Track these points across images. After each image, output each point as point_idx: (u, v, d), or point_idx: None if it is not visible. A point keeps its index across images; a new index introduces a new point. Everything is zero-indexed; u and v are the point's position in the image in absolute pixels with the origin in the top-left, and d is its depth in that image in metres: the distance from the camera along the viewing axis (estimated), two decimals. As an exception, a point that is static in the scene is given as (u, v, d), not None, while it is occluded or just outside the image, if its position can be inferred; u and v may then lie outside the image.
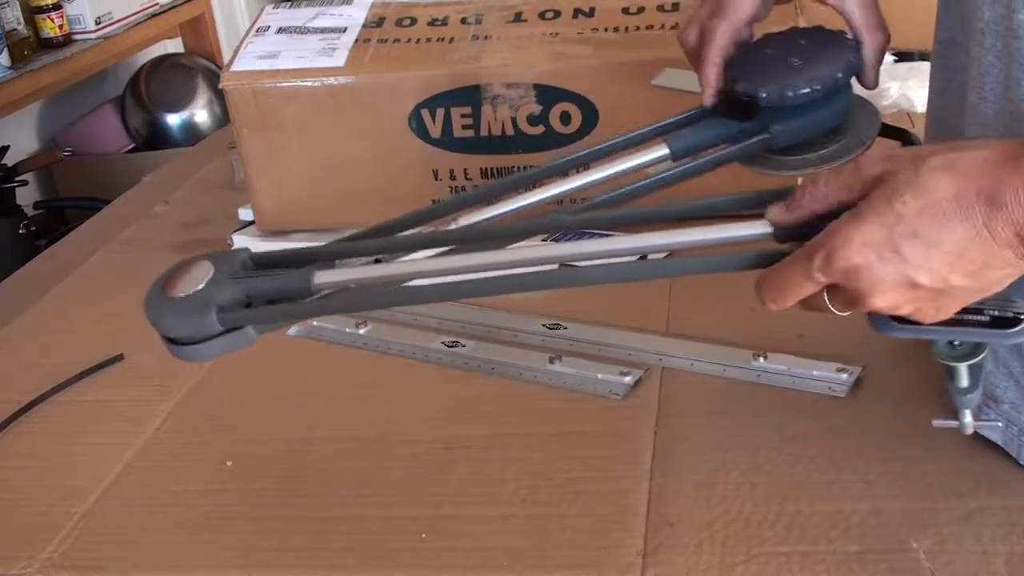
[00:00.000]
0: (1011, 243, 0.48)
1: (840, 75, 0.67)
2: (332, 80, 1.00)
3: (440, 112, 0.99)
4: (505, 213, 0.68)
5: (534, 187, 0.69)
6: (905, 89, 1.22)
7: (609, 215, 0.68)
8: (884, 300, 0.51)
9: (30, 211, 2.33)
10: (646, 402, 0.74)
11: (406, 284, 0.61)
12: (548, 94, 0.97)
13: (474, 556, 0.62)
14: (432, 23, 1.04)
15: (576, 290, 0.92)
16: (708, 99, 0.71)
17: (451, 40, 1.01)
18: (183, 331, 0.61)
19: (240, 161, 1.06)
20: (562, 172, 0.70)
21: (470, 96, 0.98)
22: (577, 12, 1.01)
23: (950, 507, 0.61)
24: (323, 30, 1.06)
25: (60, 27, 2.29)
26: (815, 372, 0.74)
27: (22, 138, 2.46)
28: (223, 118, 2.40)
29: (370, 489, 0.69)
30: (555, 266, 0.67)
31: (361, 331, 0.88)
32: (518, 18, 1.03)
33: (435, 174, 1.02)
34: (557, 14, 1.02)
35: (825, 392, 0.73)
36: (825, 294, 0.53)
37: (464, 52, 1.00)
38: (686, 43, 0.74)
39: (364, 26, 1.05)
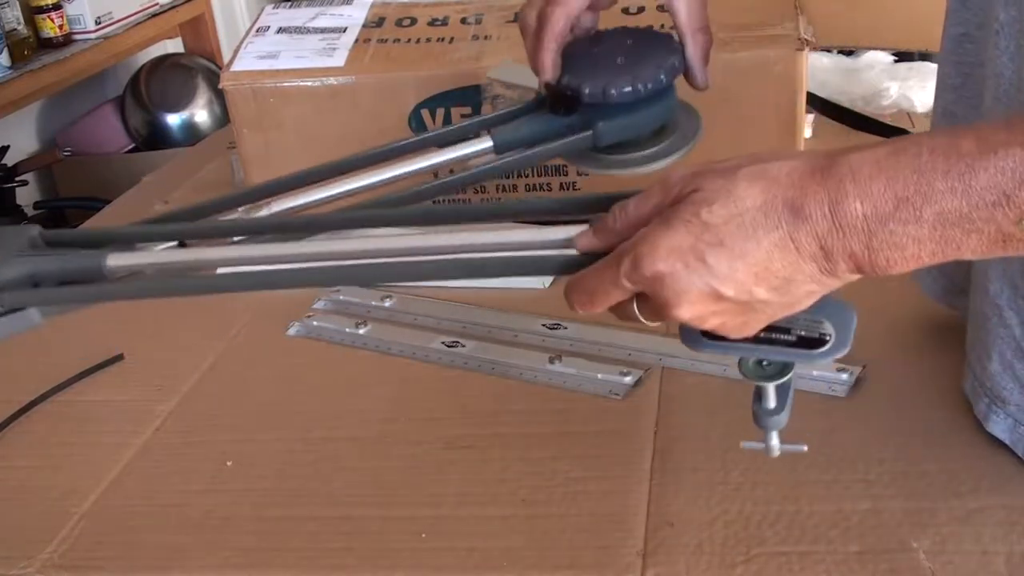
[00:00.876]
0: (815, 256, 0.47)
1: (663, 76, 0.68)
2: (332, 80, 1.00)
3: (440, 112, 0.99)
4: (318, 201, 0.65)
5: (351, 173, 0.67)
6: (905, 89, 1.22)
7: (432, 211, 0.66)
8: (689, 311, 0.50)
9: (30, 211, 2.33)
10: (646, 402, 0.74)
11: (207, 272, 0.58)
12: (548, 94, 0.97)
13: (474, 556, 0.62)
14: (432, 23, 1.04)
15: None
16: (544, 82, 0.70)
17: (451, 40, 1.01)
18: None
19: (240, 161, 1.06)
20: (383, 160, 0.68)
21: (470, 96, 0.98)
22: (577, 12, 1.01)
23: (950, 507, 0.61)
24: (323, 30, 1.06)
25: (60, 27, 2.29)
26: (815, 372, 0.74)
27: (22, 138, 2.46)
28: (223, 118, 2.40)
29: (370, 489, 0.69)
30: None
31: (361, 331, 0.88)
32: (518, 18, 1.03)
33: (435, 175, 1.02)
34: (557, 14, 1.02)
35: (825, 392, 0.73)
36: (635, 303, 0.52)
37: (464, 52, 1.00)
38: (525, 27, 0.73)
39: (364, 26, 1.05)
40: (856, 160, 0.47)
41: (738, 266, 0.48)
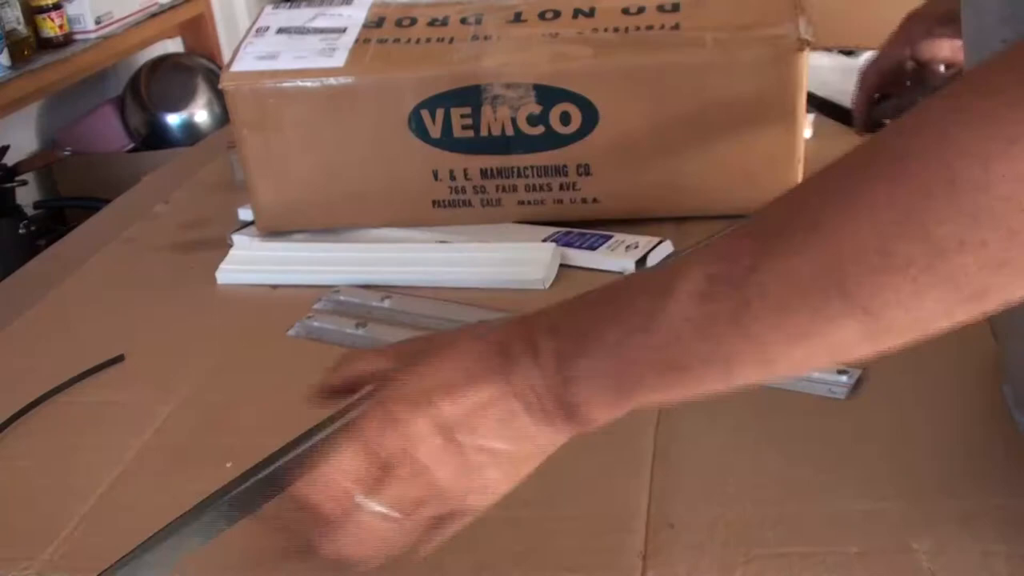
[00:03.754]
0: (527, 392, 0.49)
1: None
2: (332, 80, 1.00)
3: (440, 112, 0.99)
4: None
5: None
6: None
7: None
8: (413, 493, 0.51)
9: (30, 211, 2.33)
10: (646, 402, 0.74)
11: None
12: (548, 94, 0.97)
13: (474, 557, 0.62)
14: (432, 23, 1.04)
15: (576, 290, 0.92)
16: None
17: (451, 40, 1.01)
18: None
19: (240, 161, 1.06)
20: None
21: (470, 96, 0.98)
22: (577, 12, 1.01)
23: (950, 507, 0.61)
24: (323, 30, 1.06)
25: (60, 27, 2.29)
26: (815, 373, 0.74)
27: (22, 138, 2.46)
28: (223, 118, 2.40)
29: (370, 489, 0.69)
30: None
31: (361, 331, 0.88)
32: (518, 18, 1.03)
33: (435, 174, 1.02)
34: (557, 14, 1.02)
35: (825, 394, 0.73)
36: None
37: (464, 52, 1.00)
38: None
39: (364, 26, 1.05)
40: (543, 310, 0.49)
41: (456, 409, 0.49)
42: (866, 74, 0.80)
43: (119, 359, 0.88)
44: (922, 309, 0.39)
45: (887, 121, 0.82)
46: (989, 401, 0.70)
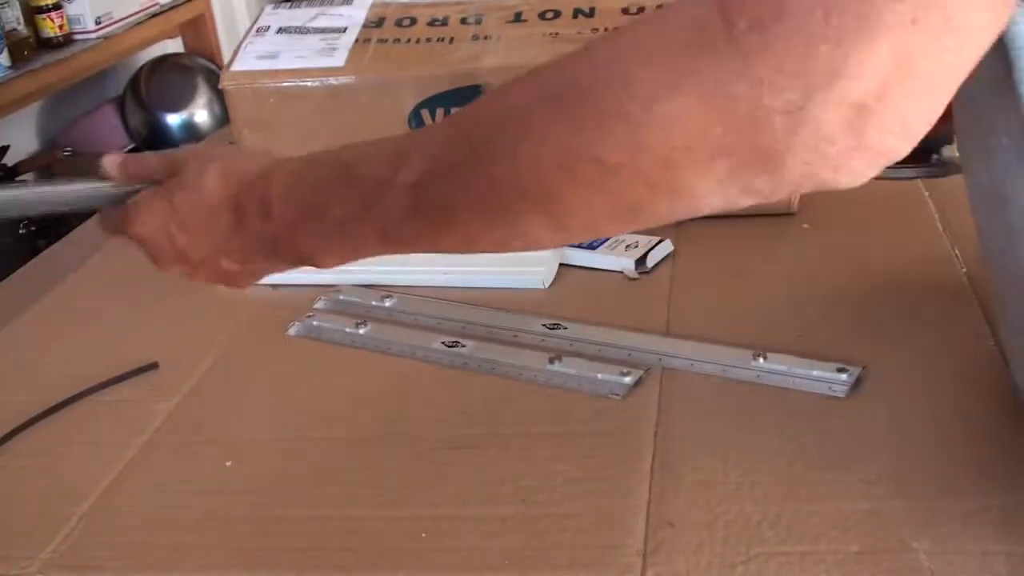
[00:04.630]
0: (261, 243, 0.58)
1: None
2: (332, 80, 1.00)
3: (440, 112, 0.99)
4: None
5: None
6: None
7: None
8: (167, 267, 0.62)
9: (30, 211, 2.32)
10: (646, 402, 0.74)
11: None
12: (548, 94, 0.97)
13: (474, 556, 0.62)
14: (432, 23, 1.04)
15: (576, 290, 0.93)
16: None
17: (451, 40, 1.01)
18: None
19: (240, 161, 1.06)
20: None
21: (470, 96, 0.98)
22: (577, 12, 1.02)
23: (950, 507, 0.61)
24: (323, 30, 1.06)
25: (60, 27, 2.29)
26: (815, 372, 0.74)
27: (22, 138, 2.46)
28: (223, 118, 2.40)
29: (370, 489, 0.69)
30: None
31: (361, 331, 0.88)
32: (518, 18, 1.03)
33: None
34: (557, 14, 1.02)
35: (825, 392, 0.73)
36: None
37: (464, 52, 1.00)
38: None
39: (364, 26, 1.05)
40: (285, 166, 0.57)
41: (200, 243, 0.58)
42: None
43: (153, 366, 0.86)
44: (592, 215, 0.47)
45: None
46: (989, 400, 0.70)
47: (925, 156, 0.77)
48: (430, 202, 0.51)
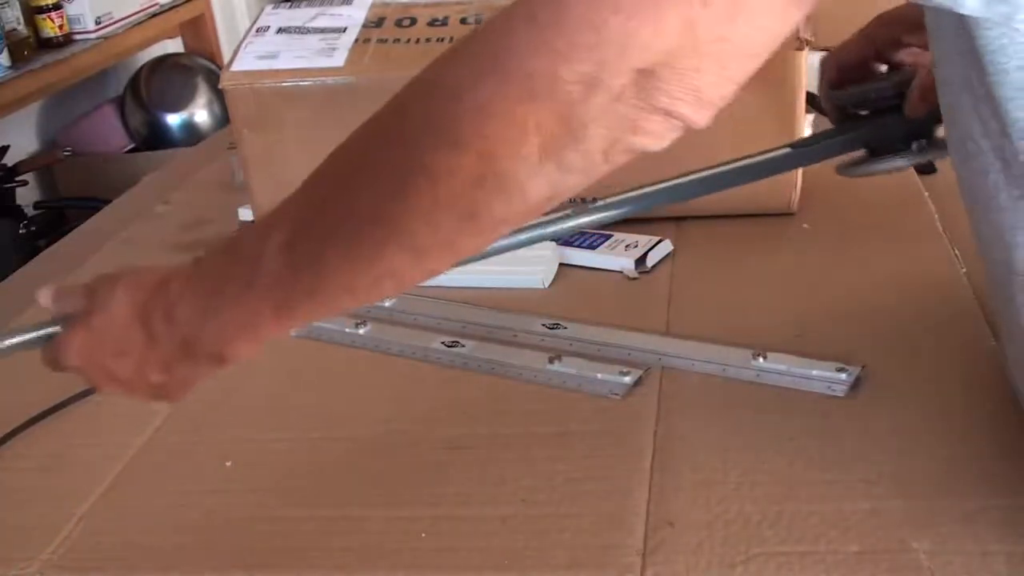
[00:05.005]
0: (175, 349, 0.58)
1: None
2: (332, 80, 1.00)
3: (440, 112, 0.99)
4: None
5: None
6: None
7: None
8: (108, 388, 0.62)
9: (30, 211, 2.33)
10: (646, 402, 0.74)
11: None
12: (548, 94, 0.97)
13: (474, 556, 0.62)
14: (432, 23, 1.04)
15: (576, 290, 0.93)
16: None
17: (451, 40, 1.01)
18: None
19: (240, 161, 1.06)
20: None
21: (470, 96, 0.98)
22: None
23: (950, 507, 0.61)
24: (323, 30, 1.06)
25: (60, 27, 2.29)
26: (815, 372, 0.74)
27: (22, 138, 2.46)
28: (223, 118, 2.40)
29: (370, 489, 0.69)
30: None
31: (361, 331, 0.88)
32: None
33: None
34: (557, 14, 1.02)
35: (825, 392, 0.73)
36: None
37: (464, 52, 1.00)
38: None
39: (364, 26, 1.05)
40: (180, 271, 0.58)
41: (123, 362, 0.59)
42: (825, 65, 0.82)
43: None
44: (437, 231, 0.48)
45: (849, 108, 0.82)
46: (989, 400, 0.70)
47: (905, 144, 0.78)
48: (301, 258, 0.52)
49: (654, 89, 0.44)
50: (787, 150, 0.80)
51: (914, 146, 0.77)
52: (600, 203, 0.78)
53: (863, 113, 0.81)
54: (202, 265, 0.58)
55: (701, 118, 0.46)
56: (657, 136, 0.45)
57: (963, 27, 0.48)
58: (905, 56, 0.80)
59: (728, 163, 0.80)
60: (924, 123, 0.77)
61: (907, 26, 0.79)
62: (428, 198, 0.47)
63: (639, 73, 0.43)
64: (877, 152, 0.80)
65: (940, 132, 0.77)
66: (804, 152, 0.81)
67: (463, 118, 0.46)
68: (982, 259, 0.60)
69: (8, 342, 0.65)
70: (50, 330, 0.63)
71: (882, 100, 0.79)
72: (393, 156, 0.49)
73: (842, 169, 0.82)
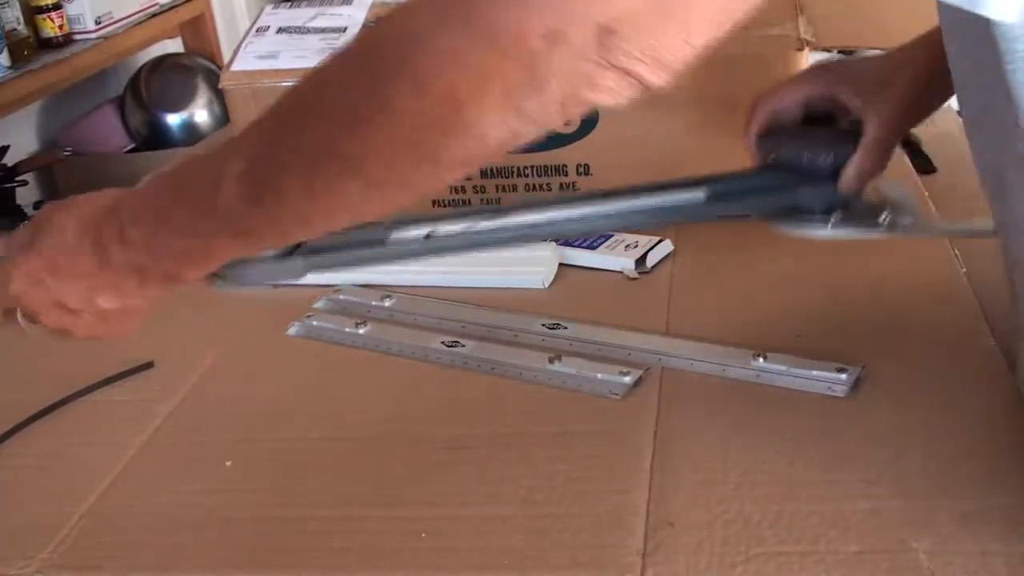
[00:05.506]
0: (129, 271, 0.58)
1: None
2: (332, 80, 1.00)
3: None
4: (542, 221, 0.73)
5: (561, 206, 0.74)
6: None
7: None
8: (51, 321, 0.62)
9: (30, 211, 2.32)
10: (646, 402, 0.74)
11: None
12: (548, 94, 0.97)
13: (474, 556, 0.62)
14: (432, 23, 1.04)
15: (576, 290, 0.93)
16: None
17: (451, 40, 1.01)
18: None
19: (240, 161, 1.06)
20: (599, 197, 0.74)
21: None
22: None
23: (950, 507, 0.61)
24: (323, 30, 1.06)
25: (60, 27, 2.29)
26: (815, 372, 0.74)
27: (22, 138, 2.46)
28: (223, 118, 2.40)
29: (370, 489, 0.69)
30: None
31: (361, 331, 0.88)
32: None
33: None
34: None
35: (825, 392, 0.73)
36: (20, 314, 0.63)
37: (464, 52, 1.00)
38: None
39: (364, 26, 1.05)
40: (130, 195, 0.59)
41: (73, 286, 0.59)
42: (757, 110, 0.79)
43: (149, 365, 0.87)
44: (396, 170, 0.49)
45: (772, 157, 0.78)
46: (989, 401, 0.70)
47: (824, 210, 0.76)
48: (259, 184, 0.53)
49: (614, 47, 0.44)
50: (701, 195, 0.75)
51: (833, 217, 0.75)
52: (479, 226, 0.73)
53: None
54: (156, 188, 0.58)
55: (657, 79, 0.46)
56: (613, 93, 0.46)
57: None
58: (843, 122, 0.77)
59: (640, 190, 0.75)
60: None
61: (846, 83, 0.76)
62: (385, 135, 0.48)
63: (601, 29, 0.44)
64: (789, 212, 0.77)
65: (862, 201, 0.75)
66: (717, 207, 0.75)
67: (428, 61, 0.46)
68: (1009, 260, 0.60)
69: None
70: None
71: (814, 169, 0.75)
72: (354, 91, 0.49)
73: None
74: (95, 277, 0.59)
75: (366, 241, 0.69)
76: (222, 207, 0.54)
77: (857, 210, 0.75)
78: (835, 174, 0.74)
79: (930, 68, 0.74)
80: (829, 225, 0.75)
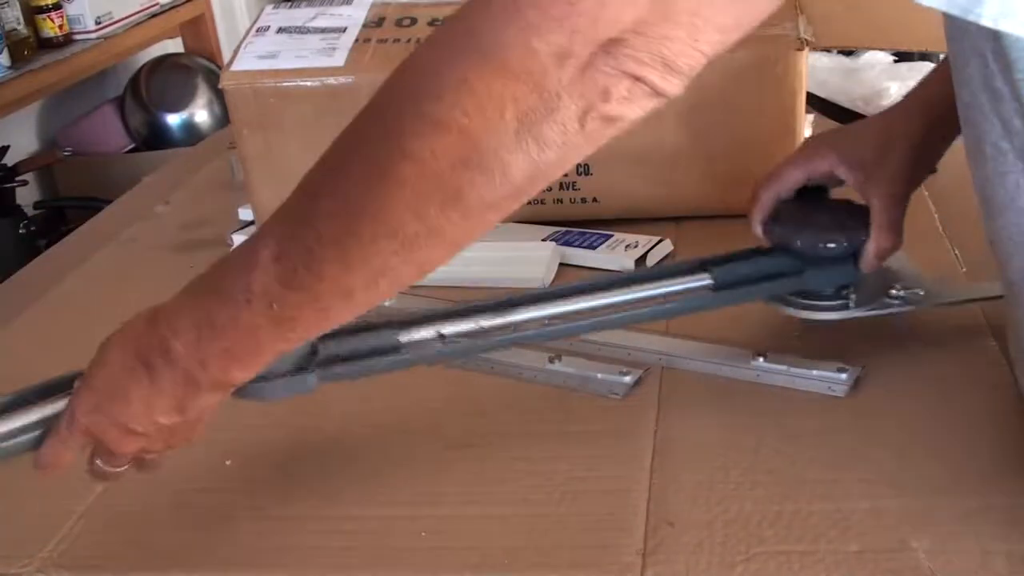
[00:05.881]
0: (179, 385, 0.56)
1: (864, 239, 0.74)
2: (332, 80, 1.00)
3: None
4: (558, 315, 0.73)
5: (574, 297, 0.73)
6: (905, 89, 1.22)
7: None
8: (125, 448, 0.60)
9: (30, 211, 2.32)
10: (646, 402, 0.74)
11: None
12: (548, 94, 0.97)
13: (474, 556, 0.62)
14: (432, 23, 1.04)
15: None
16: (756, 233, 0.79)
17: (451, 40, 1.01)
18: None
19: (240, 161, 1.06)
20: (606, 288, 0.73)
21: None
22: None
23: (950, 507, 0.61)
24: (323, 30, 1.06)
25: (60, 27, 2.29)
26: (815, 372, 0.74)
27: (22, 138, 2.46)
28: (223, 118, 2.40)
29: (370, 489, 0.69)
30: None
31: (361, 331, 0.88)
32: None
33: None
34: (557, 14, 1.02)
35: (825, 392, 0.73)
36: (95, 458, 0.61)
37: (464, 52, 1.00)
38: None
39: (364, 26, 1.05)
40: (168, 305, 0.57)
41: (134, 410, 0.57)
42: (762, 197, 0.78)
43: None
44: (427, 220, 0.48)
45: (779, 241, 0.76)
46: (989, 400, 0.70)
47: (883, 291, 0.76)
48: (295, 265, 0.51)
49: (622, 55, 0.44)
50: (708, 285, 0.74)
51: (850, 299, 0.75)
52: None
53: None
54: (192, 292, 0.57)
55: (670, 85, 0.46)
56: (628, 103, 0.46)
57: (984, 27, 0.48)
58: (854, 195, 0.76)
59: (643, 286, 0.74)
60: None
61: (846, 162, 0.75)
62: (411, 185, 0.47)
63: (608, 39, 0.44)
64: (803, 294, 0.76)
65: (867, 277, 0.75)
66: (725, 295, 0.75)
67: (442, 96, 0.46)
68: (1000, 264, 0.60)
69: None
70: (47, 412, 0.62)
71: (828, 254, 0.74)
72: (375, 147, 0.49)
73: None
74: (148, 398, 0.57)
75: (380, 349, 0.67)
76: (259, 293, 0.52)
77: (866, 286, 0.76)
78: (846, 257, 0.74)
79: (927, 129, 0.74)
80: (850, 306, 0.75)
